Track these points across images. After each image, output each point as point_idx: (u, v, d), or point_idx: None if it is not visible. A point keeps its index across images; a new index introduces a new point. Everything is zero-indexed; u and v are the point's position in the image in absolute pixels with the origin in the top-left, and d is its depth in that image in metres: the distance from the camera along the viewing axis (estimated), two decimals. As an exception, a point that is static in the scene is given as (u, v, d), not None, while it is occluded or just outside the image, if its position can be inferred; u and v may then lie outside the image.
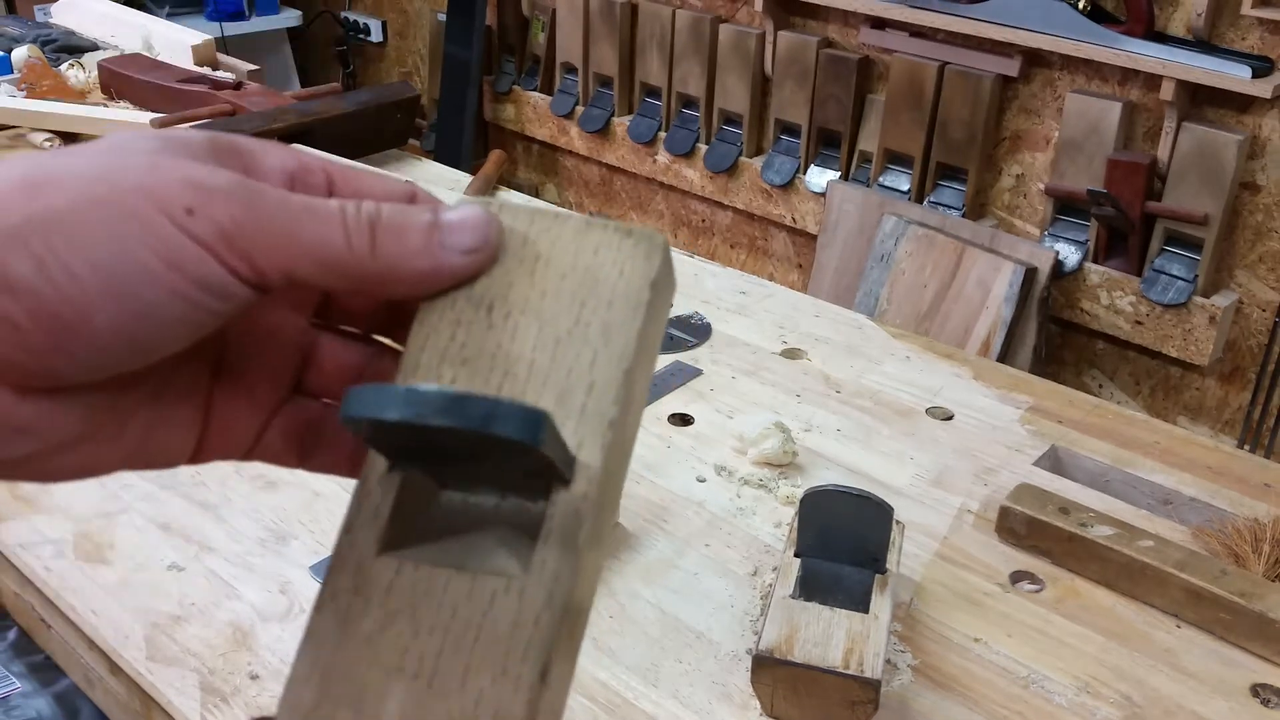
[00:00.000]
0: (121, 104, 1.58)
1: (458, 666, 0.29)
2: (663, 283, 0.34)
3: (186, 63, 1.71)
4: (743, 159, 2.56)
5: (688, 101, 2.65)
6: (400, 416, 0.27)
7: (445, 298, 0.33)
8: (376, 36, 3.49)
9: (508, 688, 0.28)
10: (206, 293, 0.29)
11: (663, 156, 2.72)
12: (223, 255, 0.29)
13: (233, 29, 3.32)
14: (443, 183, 1.40)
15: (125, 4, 1.98)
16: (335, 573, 0.31)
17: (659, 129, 2.71)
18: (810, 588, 0.67)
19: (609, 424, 0.31)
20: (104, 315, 0.28)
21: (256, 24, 3.46)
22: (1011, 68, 2.13)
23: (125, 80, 1.57)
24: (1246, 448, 2.02)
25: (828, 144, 2.45)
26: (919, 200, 2.30)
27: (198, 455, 0.35)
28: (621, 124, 2.78)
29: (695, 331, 1.10)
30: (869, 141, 2.36)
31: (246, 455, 0.36)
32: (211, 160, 0.30)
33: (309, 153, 0.34)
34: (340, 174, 0.34)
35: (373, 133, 1.45)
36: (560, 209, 0.34)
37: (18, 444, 0.29)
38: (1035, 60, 2.13)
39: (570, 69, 2.87)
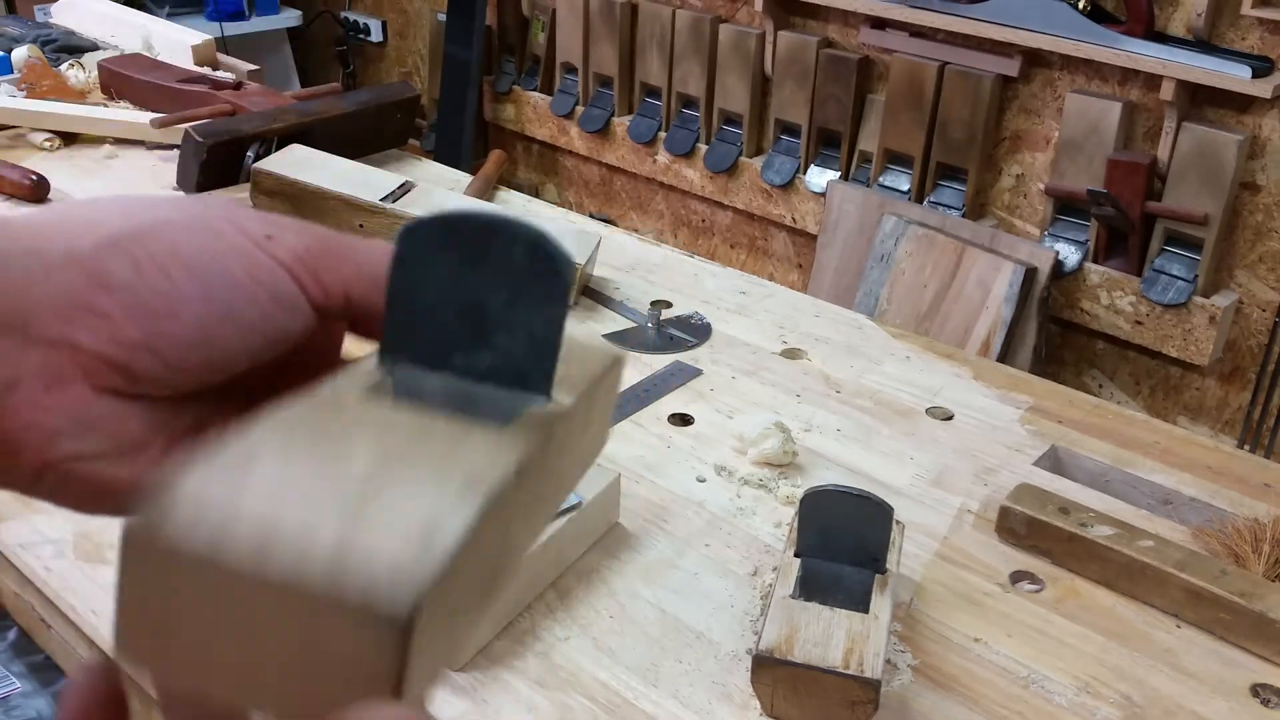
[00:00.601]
0: (121, 104, 1.58)
1: (433, 450, 0.28)
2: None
3: (186, 63, 1.71)
4: (743, 159, 2.56)
5: (688, 101, 2.65)
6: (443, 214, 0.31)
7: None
8: (376, 36, 3.49)
9: (482, 463, 0.28)
10: (279, 305, 0.32)
11: (663, 156, 2.73)
12: (296, 272, 0.32)
13: (233, 29, 3.32)
14: (443, 182, 1.40)
15: (125, 4, 1.98)
16: (303, 400, 0.30)
17: (659, 129, 2.72)
18: (810, 588, 0.67)
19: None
20: (191, 312, 0.30)
21: (256, 24, 3.46)
22: (1011, 68, 2.13)
23: (125, 80, 1.57)
24: (1246, 448, 2.02)
25: (828, 144, 2.45)
26: (919, 200, 2.30)
27: None
28: (621, 124, 2.78)
29: (695, 331, 1.10)
30: (869, 141, 2.36)
31: None
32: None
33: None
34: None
35: (373, 133, 1.45)
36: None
37: (87, 440, 0.30)
38: (1035, 60, 2.13)
39: (570, 69, 2.87)
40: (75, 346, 0.29)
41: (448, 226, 0.31)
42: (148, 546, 0.24)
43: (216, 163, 1.24)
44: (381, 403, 0.30)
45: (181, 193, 0.31)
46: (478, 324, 0.32)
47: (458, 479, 0.27)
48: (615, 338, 1.08)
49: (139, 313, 0.30)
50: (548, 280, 0.31)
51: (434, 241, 0.32)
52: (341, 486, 0.26)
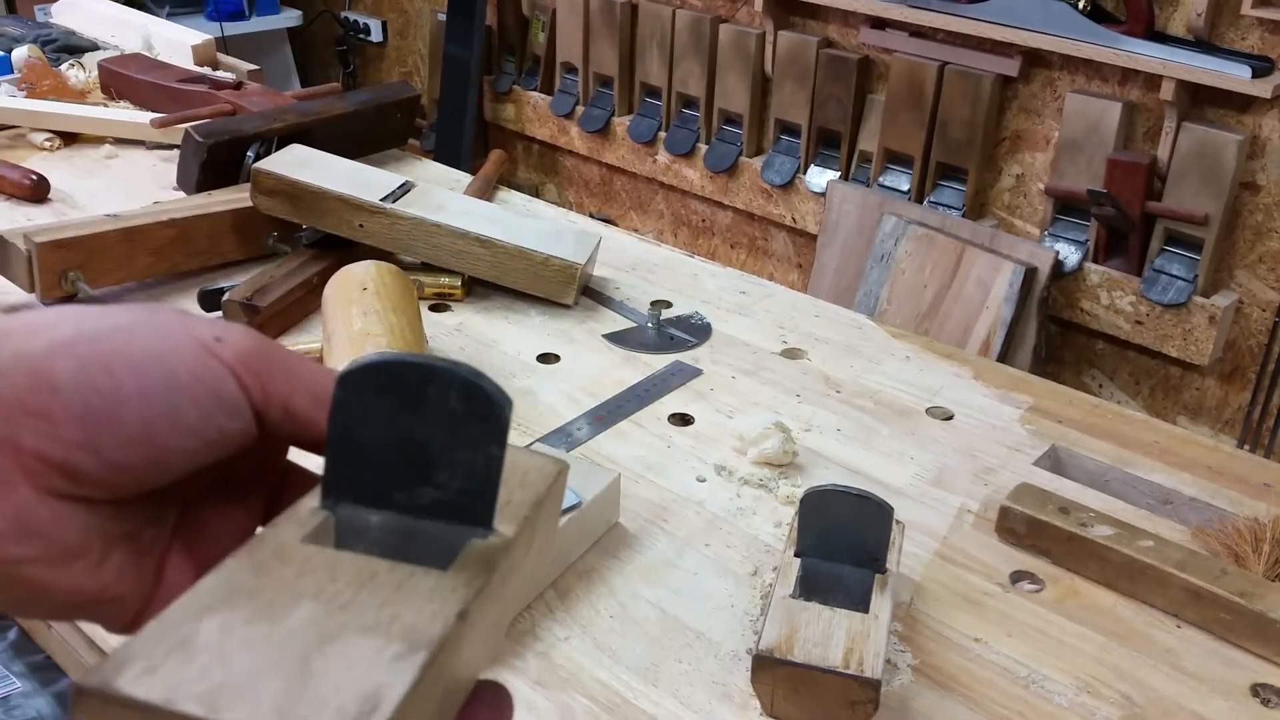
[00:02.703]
0: (121, 104, 1.58)
1: (374, 601, 0.29)
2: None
3: (186, 63, 1.71)
4: (743, 159, 2.56)
5: (688, 101, 2.65)
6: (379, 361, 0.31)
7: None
8: (376, 36, 3.49)
9: (425, 614, 0.28)
10: (221, 407, 0.32)
11: (663, 156, 2.73)
12: (240, 375, 0.33)
13: (233, 29, 3.32)
14: (443, 183, 1.40)
15: (125, 4, 1.98)
16: (249, 547, 0.31)
17: (659, 129, 2.72)
18: (810, 588, 0.67)
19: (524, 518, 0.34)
20: (132, 410, 0.31)
21: (256, 24, 3.47)
22: (1011, 68, 2.13)
23: (125, 80, 1.57)
24: (1246, 447, 2.02)
25: (828, 144, 2.45)
26: (919, 200, 2.30)
27: (138, 620, 0.35)
28: (621, 124, 2.78)
29: (695, 331, 1.10)
30: (869, 141, 2.36)
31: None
32: None
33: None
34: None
35: (373, 133, 1.45)
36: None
37: (26, 545, 0.30)
38: (1035, 60, 2.13)
39: (570, 69, 2.87)
40: (18, 448, 0.30)
41: (385, 372, 0.32)
42: (99, 705, 0.25)
43: (216, 163, 1.24)
44: (324, 547, 0.31)
45: (139, 309, 0.32)
46: (418, 463, 0.33)
47: (399, 637, 0.27)
48: (615, 338, 1.08)
49: (81, 411, 0.30)
50: (485, 422, 0.32)
51: (372, 386, 0.32)
52: (285, 650, 0.27)
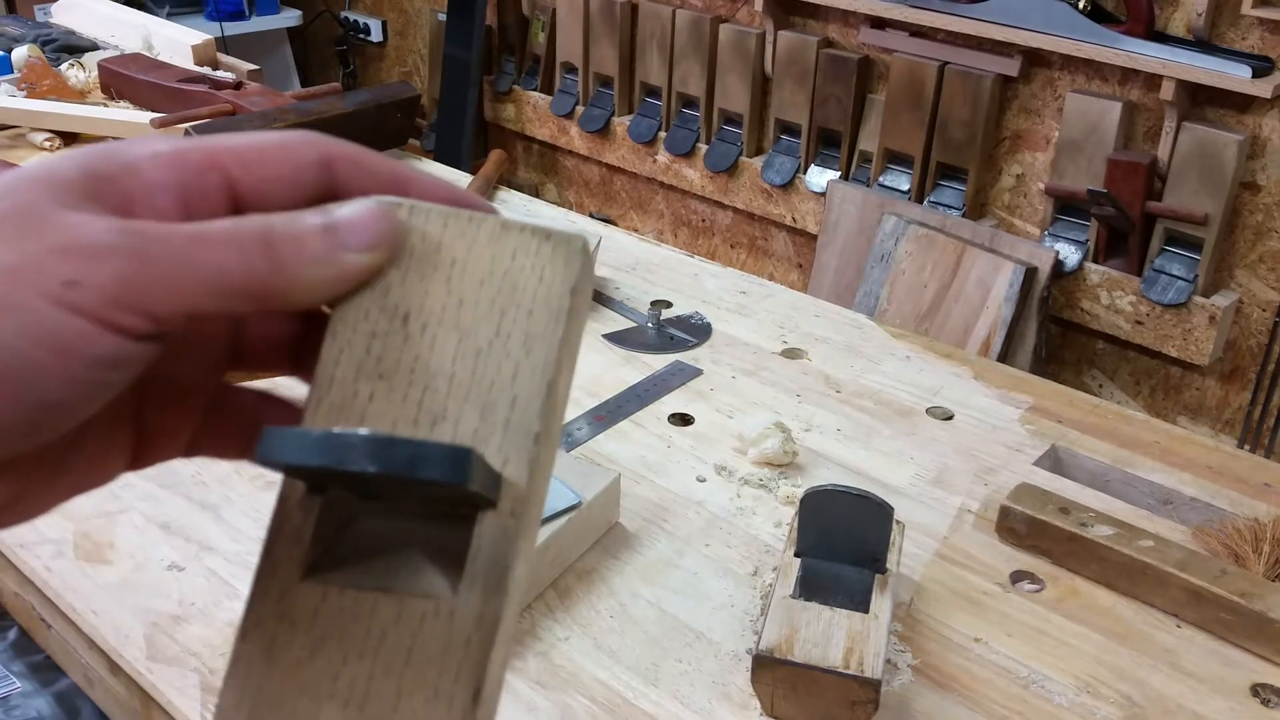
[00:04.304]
0: (121, 104, 1.58)
1: (390, 690, 0.29)
2: (583, 287, 0.33)
3: (186, 63, 1.71)
4: (743, 159, 2.56)
5: (688, 101, 2.65)
6: (320, 463, 0.26)
7: (358, 307, 0.31)
8: (376, 36, 3.49)
9: (441, 709, 0.28)
10: (104, 368, 0.27)
11: (663, 156, 2.72)
12: (115, 319, 0.27)
13: (233, 29, 3.32)
14: (443, 183, 1.39)
15: (125, 4, 1.98)
16: (258, 599, 0.30)
17: (659, 129, 2.71)
18: (810, 588, 0.67)
19: (534, 439, 0.31)
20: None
21: (256, 24, 3.46)
22: (1011, 68, 2.13)
23: (125, 80, 1.57)
24: (1246, 447, 2.02)
25: (828, 144, 2.45)
26: (919, 200, 2.30)
27: (135, 464, 0.34)
28: (622, 124, 2.78)
29: (695, 331, 1.10)
30: (869, 141, 2.36)
31: (189, 453, 0.35)
32: (86, 200, 0.28)
33: (197, 146, 0.31)
34: (240, 159, 0.31)
35: (373, 133, 1.45)
36: (475, 212, 0.32)
37: None
38: (1035, 60, 2.13)
39: (570, 69, 2.87)
40: None
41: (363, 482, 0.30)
42: None
43: (216, 163, 1.24)
44: (325, 587, 0.30)
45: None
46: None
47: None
48: (615, 338, 1.08)
49: None
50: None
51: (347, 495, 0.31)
52: None
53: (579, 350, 0.34)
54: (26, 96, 1.55)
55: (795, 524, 0.72)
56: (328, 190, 0.32)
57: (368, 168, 0.33)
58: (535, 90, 2.99)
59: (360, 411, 0.31)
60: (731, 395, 0.99)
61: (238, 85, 1.55)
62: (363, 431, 0.26)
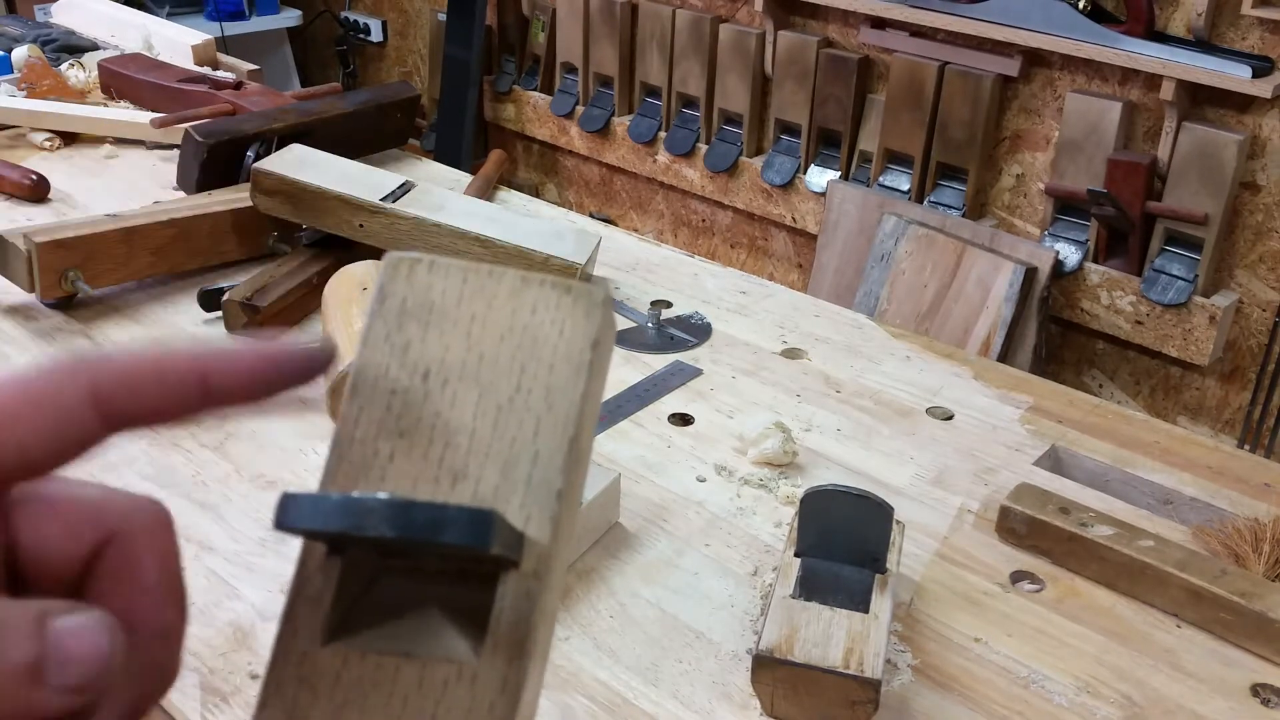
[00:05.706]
0: (121, 104, 1.58)
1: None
2: (604, 340, 0.33)
3: (186, 62, 1.71)
4: (743, 159, 2.56)
5: (688, 101, 2.65)
6: (339, 528, 0.26)
7: (377, 365, 0.31)
8: (376, 36, 3.49)
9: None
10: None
11: (663, 156, 2.73)
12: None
13: (233, 29, 3.32)
14: (443, 182, 1.40)
15: (125, 4, 1.98)
16: (279, 663, 0.30)
17: (659, 129, 2.72)
18: (810, 587, 0.67)
19: (556, 495, 0.30)
20: None
21: (256, 24, 3.47)
22: (1011, 68, 2.13)
23: (125, 80, 1.57)
24: (1246, 447, 2.02)
25: (828, 144, 2.45)
26: (919, 200, 2.30)
27: None
28: (622, 124, 2.78)
29: (695, 331, 1.10)
30: (869, 141, 2.36)
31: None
32: None
33: None
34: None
35: (373, 133, 1.45)
36: (495, 266, 0.32)
37: None
38: (1035, 60, 2.13)
39: (570, 69, 2.87)
40: None
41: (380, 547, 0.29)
42: None
43: (216, 163, 1.24)
44: (348, 652, 0.30)
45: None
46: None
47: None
48: (615, 338, 1.08)
49: None
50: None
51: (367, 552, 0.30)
52: None
53: (600, 402, 0.34)
54: (26, 96, 1.55)
55: (795, 524, 0.72)
56: (107, 427, 0.28)
57: (150, 379, 0.28)
58: (535, 90, 2.99)
59: (381, 470, 0.30)
60: (731, 395, 0.99)
61: (238, 85, 1.55)
62: (382, 495, 0.26)
